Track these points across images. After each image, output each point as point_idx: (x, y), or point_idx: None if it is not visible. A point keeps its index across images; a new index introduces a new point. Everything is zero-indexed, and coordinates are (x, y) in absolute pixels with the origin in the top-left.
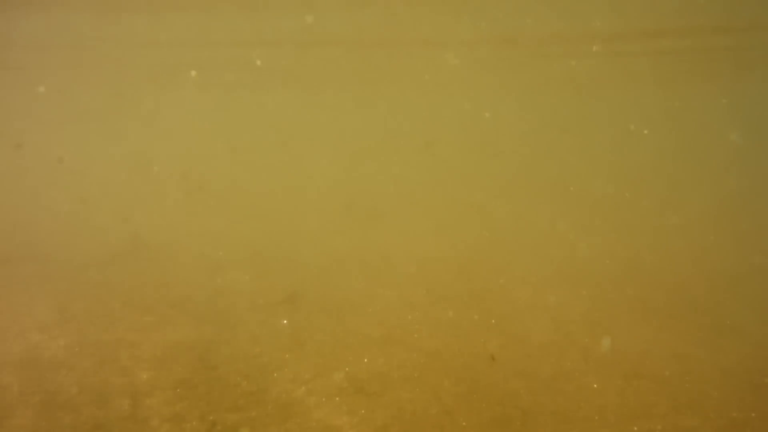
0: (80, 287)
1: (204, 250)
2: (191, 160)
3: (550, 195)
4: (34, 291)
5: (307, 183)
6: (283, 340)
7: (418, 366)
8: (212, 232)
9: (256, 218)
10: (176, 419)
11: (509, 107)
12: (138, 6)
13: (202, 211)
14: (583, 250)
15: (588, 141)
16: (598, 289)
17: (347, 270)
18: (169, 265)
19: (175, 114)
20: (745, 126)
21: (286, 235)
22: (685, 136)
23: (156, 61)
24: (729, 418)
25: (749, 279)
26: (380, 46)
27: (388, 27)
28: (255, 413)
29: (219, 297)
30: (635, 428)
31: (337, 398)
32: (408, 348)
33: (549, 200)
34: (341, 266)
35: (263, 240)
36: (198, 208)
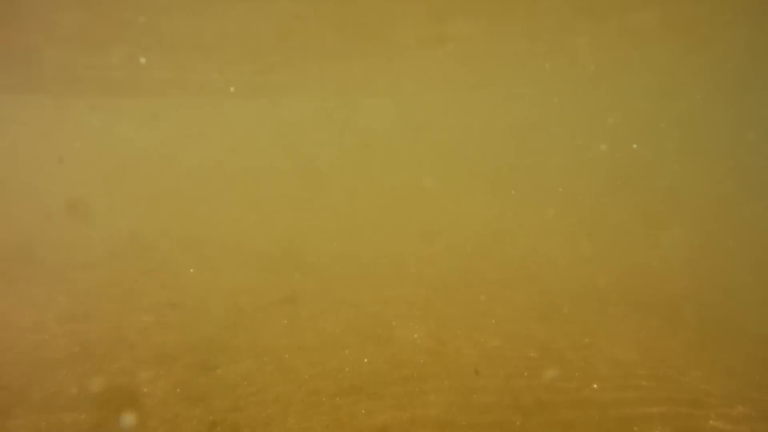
0: (80, 287)
1: (204, 251)
2: (193, 162)
3: (546, 197)
4: (34, 291)
5: (307, 184)
6: (283, 340)
7: (418, 366)
8: (212, 233)
9: (255, 219)
10: (176, 419)
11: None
12: None
13: (202, 211)
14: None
15: None
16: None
17: (347, 270)
18: (168, 266)
19: (178, 115)
20: None
21: (285, 235)
22: None
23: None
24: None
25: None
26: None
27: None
28: (255, 413)
29: (219, 297)
30: (635, 429)
31: (337, 398)
32: (408, 348)
33: (544, 203)
34: (340, 267)
35: (263, 240)
36: (198, 209)
